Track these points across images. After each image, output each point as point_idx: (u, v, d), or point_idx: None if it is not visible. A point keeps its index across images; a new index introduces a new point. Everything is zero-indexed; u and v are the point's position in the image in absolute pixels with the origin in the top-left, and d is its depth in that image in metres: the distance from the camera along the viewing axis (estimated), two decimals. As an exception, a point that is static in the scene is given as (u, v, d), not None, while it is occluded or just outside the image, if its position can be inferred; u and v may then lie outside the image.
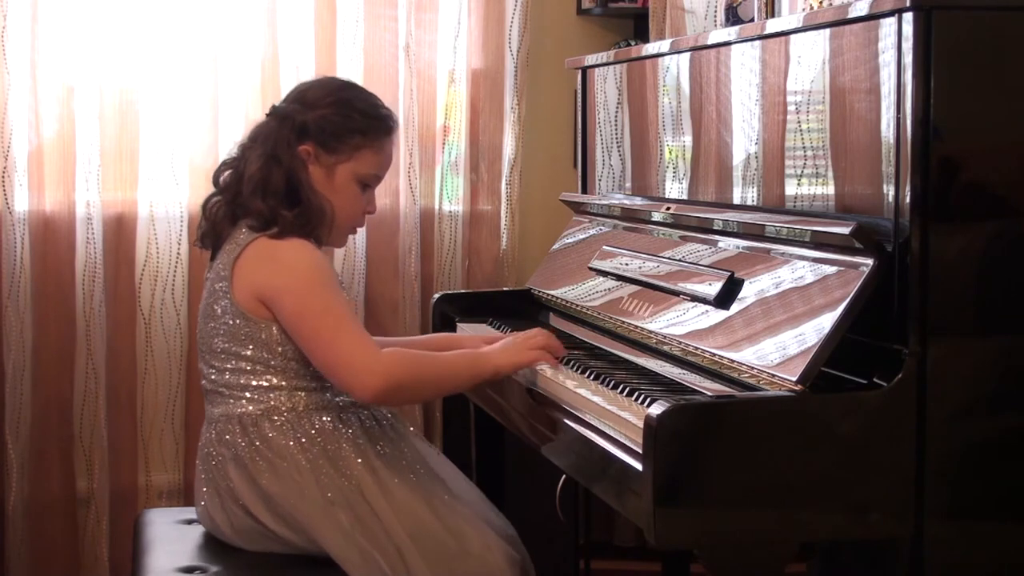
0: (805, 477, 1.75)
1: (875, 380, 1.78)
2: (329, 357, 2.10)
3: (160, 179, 3.33)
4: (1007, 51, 1.80)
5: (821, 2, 2.44)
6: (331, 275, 2.16)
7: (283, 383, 2.15)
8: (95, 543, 3.28)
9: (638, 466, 1.76)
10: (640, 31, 3.69)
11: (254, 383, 2.15)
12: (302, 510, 2.10)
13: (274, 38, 3.37)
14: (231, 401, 2.16)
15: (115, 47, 3.27)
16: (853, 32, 1.91)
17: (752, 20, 2.75)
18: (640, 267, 2.40)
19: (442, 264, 3.56)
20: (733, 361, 1.94)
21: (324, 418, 2.15)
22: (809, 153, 2.05)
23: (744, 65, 2.23)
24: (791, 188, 2.11)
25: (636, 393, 2.00)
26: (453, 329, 2.82)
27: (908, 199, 1.77)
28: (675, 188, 2.54)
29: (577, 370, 2.23)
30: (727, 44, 2.29)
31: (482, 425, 2.85)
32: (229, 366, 2.16)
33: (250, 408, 2.15)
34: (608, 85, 2.86)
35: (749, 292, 2.02)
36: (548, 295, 2.75)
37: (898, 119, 1.78)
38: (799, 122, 2.07)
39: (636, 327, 2.28)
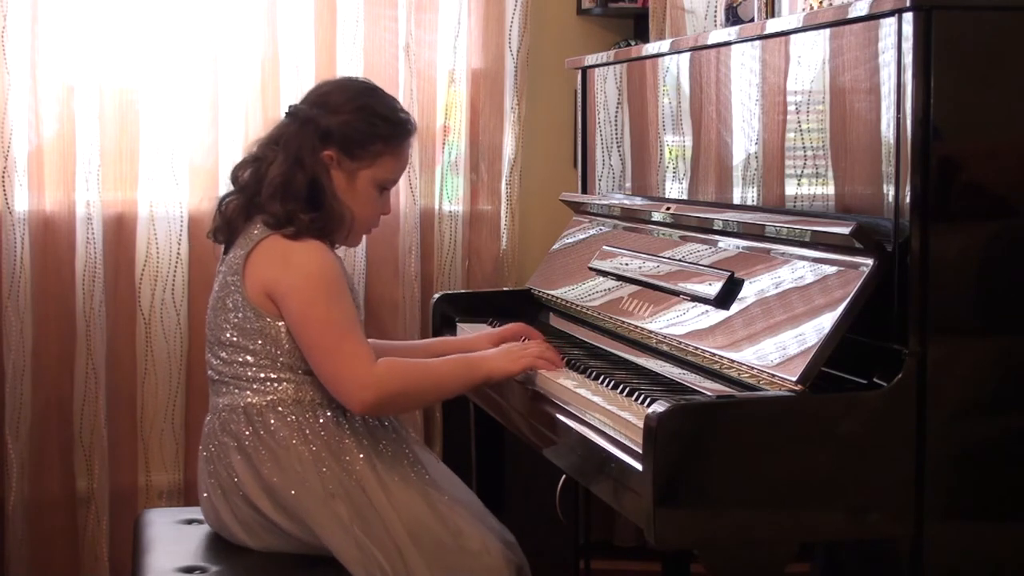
0: (805, 477, 1.75)
1: (875, 380, 1.78)
2: (326, 367, 2.12)
3: (160, 179, 3.33)
4: (1007, 51, 1.80)
5: (821, 2, 2.44)
6: (340, 281, 2.16)
7: (290, 377, 2.16)
8: (95, 543, 3.28)
9: (638, 466, 1.76)
10: (640, 31, 3.69)
11: (261, 375, 2.16)
12: (302, 502, 2.11)
13: (274, 38, 3.37)
14: (236, 392, 2.17)
15: (115, 47, 3.27)
16: (853, 32, 1.91)
17: (752, 20, 2.75)
18: (640, 267, 2.40)
19: (442, 264, 3.56)
20: (733, 361, 1.94)
21: (328, 412, 2.17)
22: (809, 153, 2.05)
23: (744, 65, 2.23)
24: (791, 188, 2.11)
25: (636, 393, 2.01)
26: (453, 329, 2.82)
27: (908, 199, 1.77)
28: (675, 188, 2.54)
29: (577, 370, 2.23)
30: (727, 44, 2.29)
31: (482, 425, 2.85)
32: (237, 359, 2.17)
33: (256, 399, 2.16)
34: (608, 85, 2.86)
35: (749, 292, 2.02)
36: (548, 295, 2.75)
37: (898, 119, 1.78)
38: (799, 122, 2.07)
39: (636, 327, 2.28)
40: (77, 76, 3.23)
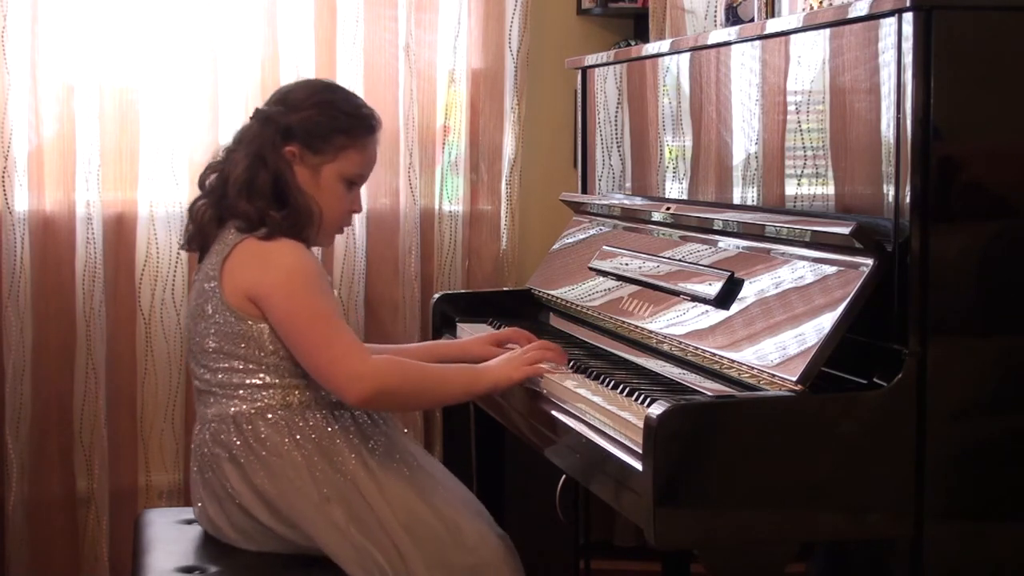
0: (805, 477, 1.75)
1: (875, 380, 1.78)
2: (318, 360, 2.11)
3: (160, 179, 3.33)
4: (1007, 51, 1.80)
5: (821, 2, 2.44)
6: (320, 277, 2.16)
7: (276, 381, 2.15)
8: (95, 543, 3.28)
9: (638, 466, 1.76)
10: (640, 31, 3.69)
11: (247, 382, 2.15)
12: (297, 508, 2.11)
13: (274, 38, 3.37)
14: (224, 401, 2.17)
15: (115, 46, 3.27)
16: (853, 32, 1.91)
17: (752, 20, 2.75)
18: (640, 267, 2.40)
19: (442, 264, 3.56)
20: (733, 361, 1.94)
21: (317, 415, 2.16)
22: (809, 153, 2.05)
23: (744, 65, 2.23)
24: (791, 188, 2.11)
25: (636, 393, 2.01)
26: (453, 329, 2.82)
27: (908, 199, 1.77)
28: (675, 188, 2.54)
29: (577, 370, 2.23)
30: (727, 44, 2.29)
31: (482, 425, 2.85)
32: (222, 366, 2.16)
33: (243, 407, 2.15)
34: (608, 85, 2.86)
35: (749, 292, 2.02)
36: (548, 295, 2.75)
37: (898, 119, 1.78)
38: (799, 122, 2.07)
39: (636, 327, 2.28)
40: (77, 76, 3.23)
